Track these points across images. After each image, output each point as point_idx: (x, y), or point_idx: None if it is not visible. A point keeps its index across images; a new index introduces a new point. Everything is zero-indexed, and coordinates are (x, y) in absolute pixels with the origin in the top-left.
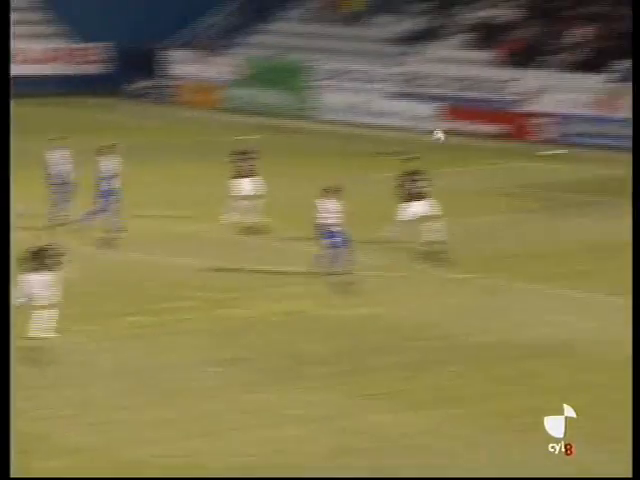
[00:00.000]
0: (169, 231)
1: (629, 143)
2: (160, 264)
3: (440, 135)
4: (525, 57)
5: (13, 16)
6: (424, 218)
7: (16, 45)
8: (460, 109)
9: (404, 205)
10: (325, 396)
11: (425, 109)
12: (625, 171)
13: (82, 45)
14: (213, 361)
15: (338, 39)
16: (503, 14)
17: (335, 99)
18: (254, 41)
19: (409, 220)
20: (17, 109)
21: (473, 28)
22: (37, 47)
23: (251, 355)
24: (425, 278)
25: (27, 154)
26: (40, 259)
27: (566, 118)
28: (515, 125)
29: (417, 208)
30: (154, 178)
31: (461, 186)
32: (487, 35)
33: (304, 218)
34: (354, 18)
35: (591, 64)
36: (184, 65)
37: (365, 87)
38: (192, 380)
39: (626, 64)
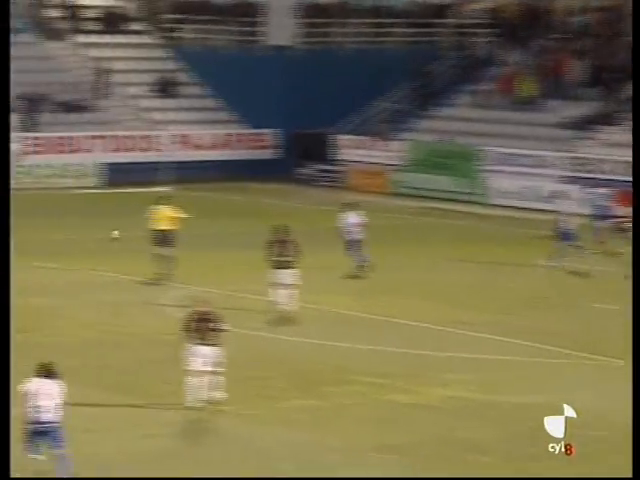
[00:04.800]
0: (327, 314)
1: None
2: (321, 346)
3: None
4: None
5: (189, 103)
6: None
7: (190, 131)
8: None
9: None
10: None
11: (594, 194)
12: None
13: (252, 131)
14: (377, 447)
15: (507, 123)
16: None
17: (504, 184)
18: (423, 126)
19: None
20: (189, 194)
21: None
22: (208, 133)
23: (415, 442)
24: None
25: (208, 237)
26: (202, 329)
27: None
28: None
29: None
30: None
31: None
32: None
33: (468, 303)
34: (525, 103)
35: None
36: (353, 150)
37: (535, 172)
38: (356, 465)
39: None
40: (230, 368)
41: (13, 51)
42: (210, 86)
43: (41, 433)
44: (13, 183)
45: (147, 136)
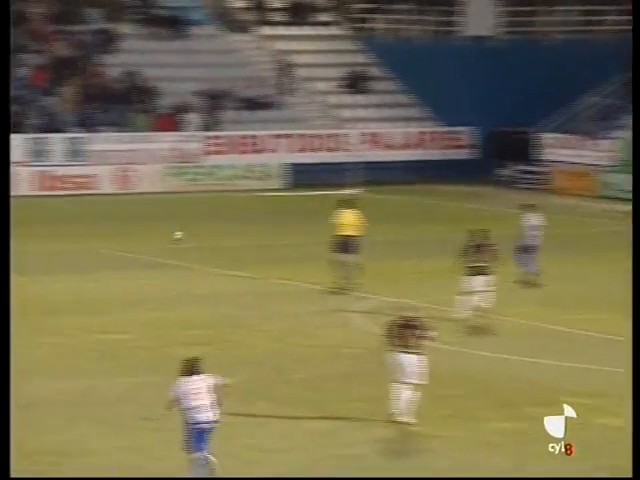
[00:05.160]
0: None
1: None
2: (518, 362)
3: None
4: None
5: (379, 99)
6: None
7: (380, 129)
8: None
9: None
10: None
11: None
12: None
13: (447, 129)
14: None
15: None
16: None
17: None
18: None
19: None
20: (377, 196)
21: None
22: (400, 131)
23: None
24: None
25: (396, 244)
26: (406, 336)
27: None
28: None
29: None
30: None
31: None
32: None
33: None
34: None
35: None
36: (558, 149)
37: None
38: None
39: None
40: (424, 384)
41: (194, 44)
42: (402, 80)
43: (201, 433)
44: (193, 185)
45: (335, 135)
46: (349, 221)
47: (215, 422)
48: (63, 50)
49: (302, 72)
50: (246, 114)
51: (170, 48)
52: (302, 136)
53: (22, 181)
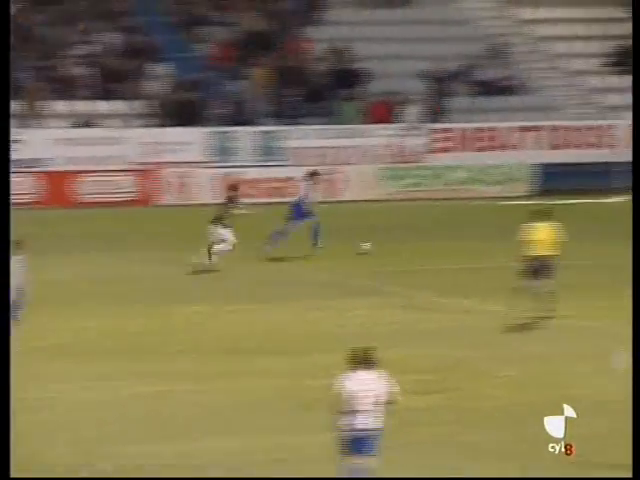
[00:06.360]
0: None
1: None
2: None
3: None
4: None
5: None
6: None
7: None
8: None
9: None
10: None
11: None
12: None
13: None
14: None
15: None
16: None
17: None
18: None
19: None
20: None
21: None
22: None
23: None
24: None
25: None
26: None
27: None
28: None
29: None
30: None
31: None
32: None
33: None
34: None
35: None
36: None
37: None
38: None
39: None
40: None
41: (417, 13)
42: None
43: (355, 440)
44: (414, 190)
45: (597, 127)
46: (543, 237)
47: (374, 430)
48: (255, 23)
49: (555, 48)
50: (482, 101)
51: (387, 18)
52: (554, 129)
53: (202, 186)
